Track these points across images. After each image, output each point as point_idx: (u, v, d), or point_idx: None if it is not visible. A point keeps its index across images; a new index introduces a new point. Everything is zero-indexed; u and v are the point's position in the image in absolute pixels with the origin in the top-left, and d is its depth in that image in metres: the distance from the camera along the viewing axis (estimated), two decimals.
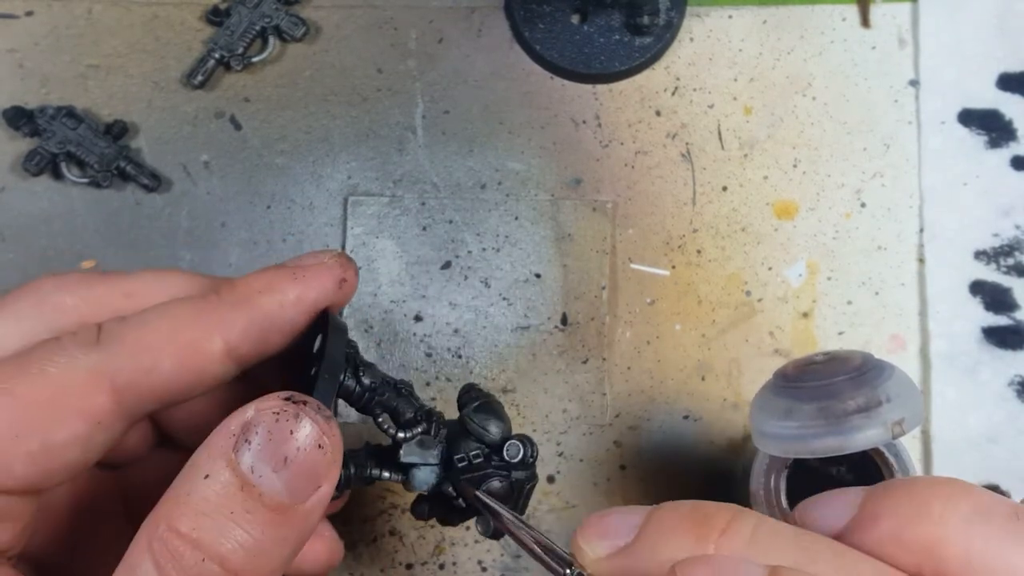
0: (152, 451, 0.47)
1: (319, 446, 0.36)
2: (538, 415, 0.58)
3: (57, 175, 0.61)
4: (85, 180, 0.60)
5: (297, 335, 0.41)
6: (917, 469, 0.54)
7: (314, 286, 0.41)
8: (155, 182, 0.60)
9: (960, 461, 0.56)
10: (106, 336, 0.38)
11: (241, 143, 0.61)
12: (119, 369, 0.37)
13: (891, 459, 0.48)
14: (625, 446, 0.58)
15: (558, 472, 0.58)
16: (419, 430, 0.45)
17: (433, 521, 0.57)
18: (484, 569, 0.57)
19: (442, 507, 0.46)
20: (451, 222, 0.60)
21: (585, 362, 0.59)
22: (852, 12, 0.62)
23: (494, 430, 0.45)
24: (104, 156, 0.60)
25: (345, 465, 0.44)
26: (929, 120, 0.60)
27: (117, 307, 0.41)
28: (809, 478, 0.49)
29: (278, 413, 0.36)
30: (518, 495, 0.45)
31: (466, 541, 0.57)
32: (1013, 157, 0.59)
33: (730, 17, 0.62)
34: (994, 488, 0.56)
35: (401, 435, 0.44)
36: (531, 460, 0.45)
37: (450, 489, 0.45)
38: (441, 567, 0.57)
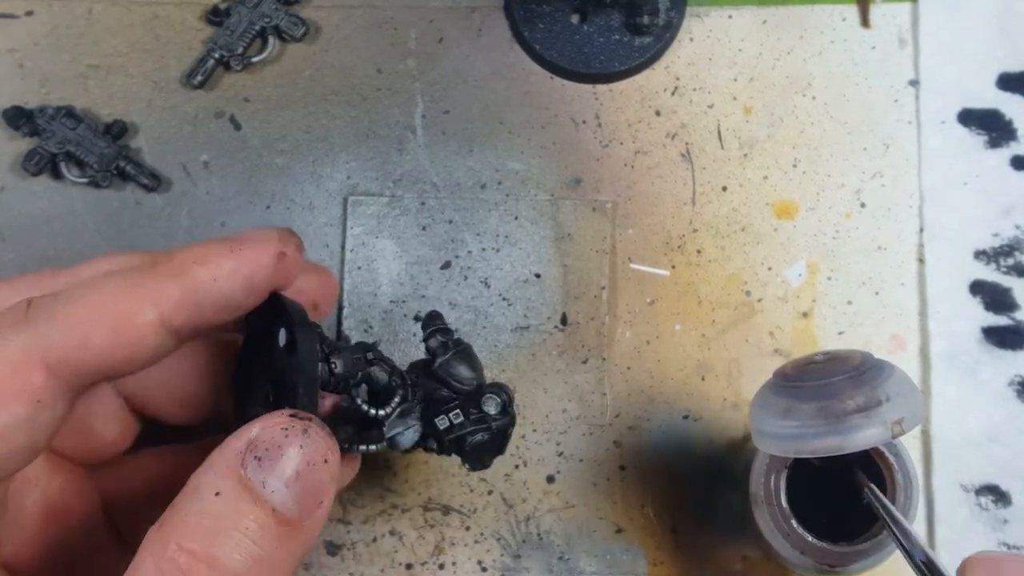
0: (132, 452, 0.47)
1: (324, 461, 0.37)
2: (538, 415, 0.58)
3: (57, 175, 0.61)
4: (85, 180, 0.60)
5: (238, 309, 0.41)
6: (917, 469, 0.54)
7: (249, 259, 0.40)
8: (155, 182, 0.60)
9: (960, 461, 0.56)
10: (35, 312, 0.37)
11: (241, 143, 0.61)
12: (51, 345, 0.37)
13: (891, 458, 0.48)
14: (625, 446, 0.58)
15: (558, 472, 0.58)
16: (397, 400, 0.45)
17: (433, 521, 0.57)
18: (484, 569, 0.57)
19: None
20: (451, 222, 0.60)
21: (585, 362, 0.59)
22: (852, 12, 0.62)
23: (468, 377, 0.46)
24: (104, 156, 0.60)
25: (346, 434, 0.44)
26: (929, 120, 0.60)
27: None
28: (809, 478, 0.49)
29: (286, 429, 0.37)
30: (502, 441, 0.47)
31: (466, 541, 0.57)
32: (1013, 157, 0.59)
33: (730, 17, 0.62)
34: (994, 488, 0.56)
35: (382, 412, 0.45)
36: (509, 408, 0.47)
37: (434, 444, 0.46)
38: (441, 567, 0.57)
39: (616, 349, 0.59)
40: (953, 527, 0.56)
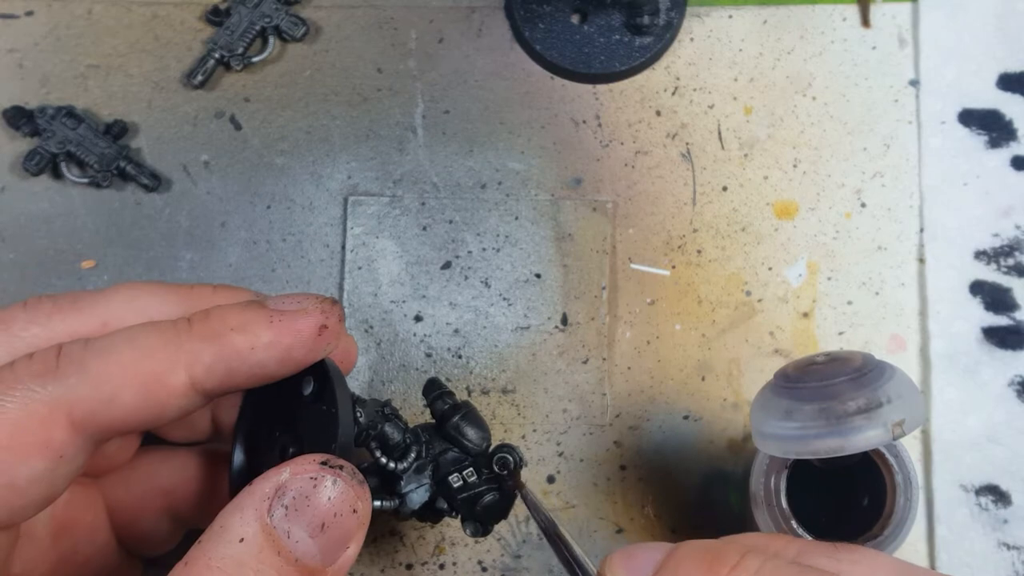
0: (134, 456, 0.47)
1: (353, 511, 0.37)
2: (538, 415, 0.58)
3: (57, 175, 0.61)
4: (85, 180, 0.60)
5: (271, 377, 0.40)
6: (917, 467, 0.54)
7: (290, 331, 0.39)
8: (155, 182, 0.60)
9: (960, 461, 0.56)
10: (65, 363, 0.37)
11: (241, 143, 0.61)
12: (78, 400, 0.36)
13: (891, 460, 0.48)
14: (625, 446, 0.58)
15: (558, 472, 0.58)
16: (412, 456, 0.45)
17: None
18: (484, 569, 0.57)
19: (429, 514, 0.47)
20: (451, 222, 0.60)
21: (585, 362, 0.59)
22: (852, 12, 0.62)
23: (478, 437, 0.46)
24: (104, 156, 0.60)
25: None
26: (929, 120, 0.60)
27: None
28: (809, 478, 0.49)
29: (315, 479, 0.36)
30: (509, 503, 0.47)
31: (466, 542, 0.57)
32: (1013, 157, 0.59)
33: (730, 17, 0.62)
34: (994, 488, 0.56)
35: (402, 466, 0.45)
36: (518, 469, 0.46)
37: (443, 504, 0.46)
38: (441, 567, 0.57)
39: (616, 349, 0.59)
40: (953, 527, 0.56)
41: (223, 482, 0.45)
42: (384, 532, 0.57)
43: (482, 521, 0.46)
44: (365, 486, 0.38)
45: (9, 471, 0.36)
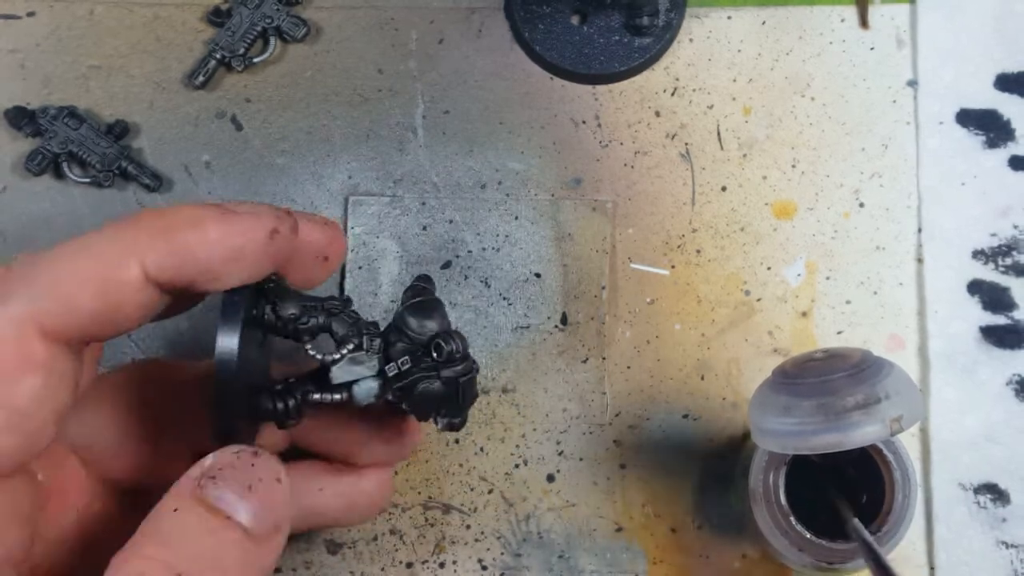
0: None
1: (278, 479, 0.38)
2: (538, 414, 0.58)
3: (59, 175, 0.61)
4: (87, 180, 0.60)
5: (223, 278, 0.40)
6: (916, 466, 0.54)
7: (240, 230, 0.39)
8: (156, 182, 0.60)
9: (958, 460, 0.56)
10: (17, 278, 0.36)
11: (242, 143, 0.62)
12: (39, 311, 0.36)
13: (889, 456, 0.48)
14: (625, 445, 0.58)
15: (558, 471, 0.58)
16: (347, 349, 0.44)
17: (433, 520, 0.57)
18: (484, 568, 0.57)
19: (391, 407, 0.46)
20: (451, 222, 0.60)
21: (585, 361, 0.59)
22: (851, 13, 0.62)
23: (417, 327, 0.45)
24: (106, 156, 0.60)
25: (289, 393, 0.44)
26: (927, 120, 0.60)
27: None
28: (808, 475, 0.49)
29: (237, 454, 0.38)
30: (455, 393, 0.45)
31: (466, 540, 0.57)
32: (1011, 157, 0.60)
33: (729, 18, 0.62)
34: (992, 487, 0.56)
35: (330, 358, 0.44)
36: (458, 355, 0.44)
37: (391, 398, 0.44)
38: (441, 566, 0.57)
39: (616, 348, 0.59)
40: (951, 526, 0.56)
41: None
42: (384, 531, 0.57)
43: (424, 410, 0.45)
44: (282, 466, 0.39)
45: (6, 394, 0.35)
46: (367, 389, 0.45)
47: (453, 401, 0.45)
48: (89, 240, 0.38)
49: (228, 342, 0.40)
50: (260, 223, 0.40)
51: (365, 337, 0.44)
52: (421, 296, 0.46)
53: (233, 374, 0.40)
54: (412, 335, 0.45)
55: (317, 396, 0.44)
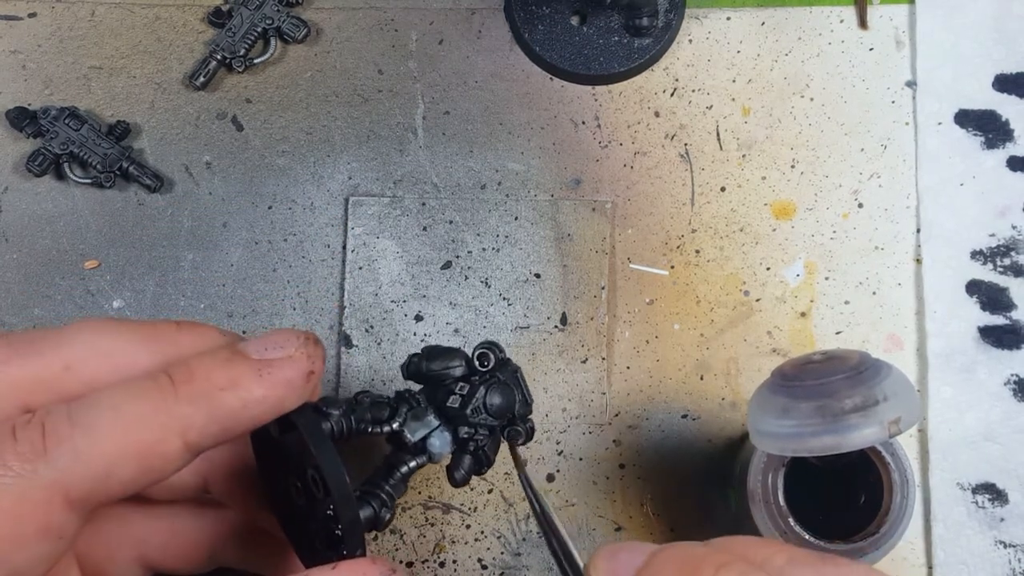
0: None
1: None
2: (538, 414, 0.58)
3: (60, 176, 0.61)
4: (88, 181, 0.60)
5: (258, 426, 0.39)
6: (914, 466, 0.55)
7: (280, 383, 0.39)
8: (157, 183, 0.61)
9: (956, 460, 0.57)
10: (53, 443, 0.35)
11: (243, 144, 0.62)
12: (73, 482, 0.35)
13: (888, 458, 0.48)
14: (624, 445, 0.58)
15: (558, 471, 0.58)
16: (404, 410, 0.45)
17: (434, 519, 0.57)
18: (484, 567, 0.57)
19: (473, 462, 0.46)
20: (451, 222, 0.60)
21: (585, 361, 0.59)
22: (850, 14, 0.62)
23: (443, 367, 0.46)
24: (107, 157, 0.60)
25: (376, 492, 0.44)
26: (926, 121, 0.61)
27: (57, 385, 0.38)
28: (806, 476, 0.49)
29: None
30: (516, 386, 0.47)
31: (466, 539, 0.57)
32: (1009, 158, 0.60)
33: (728, 19, 0.63)
34: (990, 487, 0.56)
35: (395, 426, 0.45)
36: (502, 356, 0.47)
37: (466, 432, 0.45)
38: (441, 565, 0.57)
39: (615, 349, 0.59)
40: (949, 525, 0.56)
41: (195, 529, 0.46)
42: (384, 531, 0.57)
43: (500, 415, 0.46)
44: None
45: (11, 559, 0.35)
46: (441, 441, 0.45)
47: (520, 395, 0.47)
48: (125, 406, 0.37)
49: (342, 487, 0.39)
50: (298, 369, 0.39)
51: (410, 398, 0.46)
52: (426, 350, 0.48)
53: (357, 518, 0.40)
54: (445, 374, 0.46)
55: (407, 468, 0.44)
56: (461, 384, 0.46)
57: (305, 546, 0.43)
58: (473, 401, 0.45)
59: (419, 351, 0.47)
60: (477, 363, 0.46)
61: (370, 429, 0.44)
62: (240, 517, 0.47)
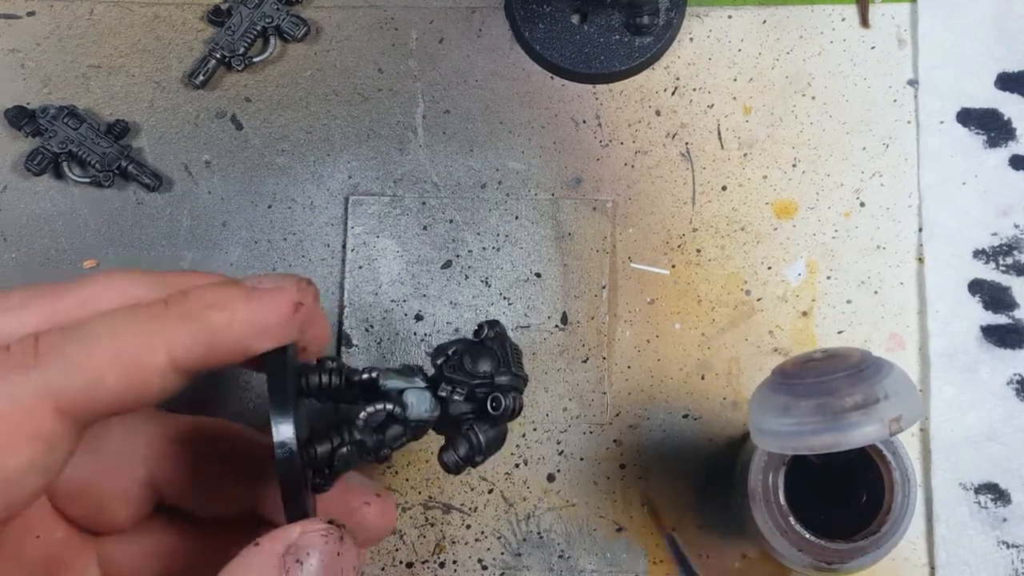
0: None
1: (354, 568, 0.39)
2: (538, 414, 0.58)
3: (59, 175, 0.61)
4: (87, 180, 0.60)
5: (248, 353, 0.40)
6: (916, 466, 0.54)
7: (266, 307, 0.40)
8: (156, 182, 0.60)
9: (959, 459, 0.56)
10: (44, 351, 0.37)
11: (242, 143, 0.62)
12: (61, 387, 0.36)
13: (889, 457, 0.48)
14: (625, 445, 0.58)
15: (558, 470, 0.58)
16: (395, 366, 0.45)
17: (434, 519, 0.57)
18: (485, 567, 0.57)
19: (466, 444, 0.46)
20: (451, 221, 0.60)
21: (585, 361, 0.59)
22: (851, 12, 0.62)
23: (443, 346, 0.47)
24: (106, 156, 0.60)
25: (338, 431, 0.44)
26: (928, 120, 0.60)
27: (72, 319, 0.39)
28: (807, 475, 0.49)
29: (325, 536, 0.38)
30: (503, 354, 0.47)
31: (466, 539, 0.57)
32: (1012, 156, 0.60)
33: (730, 17, 0.62)
34: (993, 487, 0.56)
35: (374, 375, 0.45)
36: (499, 331, 0.47)
37: (444, 389, 0.45)
38: (441, 565, 0.57)
39: (616, 348, 0.59)
40: (952, 525, 0.56)
41: (226, 547, 0.46)
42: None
43: (474, 374, 0.46)
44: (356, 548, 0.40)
45: (2, 464, 0.36)
46: (420, 399, 0.45)
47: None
48: (118, 321, 0.38)
49: (285, 431, 0.39)
50: (285, 298, 0.40)
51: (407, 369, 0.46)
52: (479, 339, 0.48)
53: (295, 466, 0.40)
54: (447, 347, 0.46)
55: (370, 409, 0.44)
56: (455, 350, 0.46)
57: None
58: (452, 359, 0.45)
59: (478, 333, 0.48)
60: (473, 336, 0.47)
61: (353, 379, 0.44)
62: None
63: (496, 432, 0.46)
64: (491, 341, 0.47)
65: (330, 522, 0.39)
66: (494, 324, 0.47)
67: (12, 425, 0.36)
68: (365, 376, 0.45)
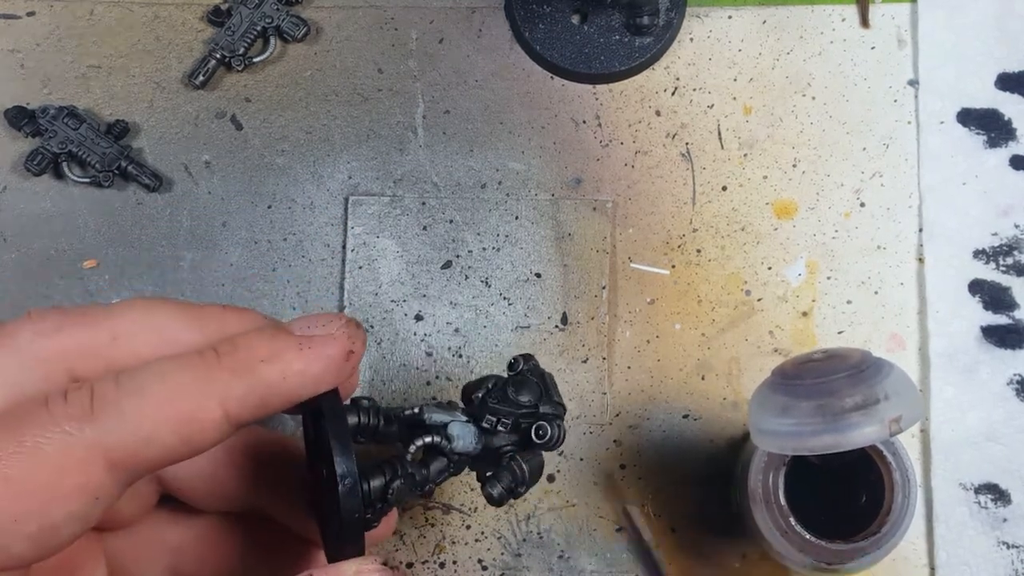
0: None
1: None
2: None
3: (59, 175, 0.61)
4: (87, 180, 0.60)
5: (299, 402, 0.40)
6: (916, 466, 0.54)
7: (320, 358, 0.39)
8: (156, 182, 0.60)
9: (959, 460, 0.56)
10: (100, 405, 0.36)
11: (242, 143, 0.62)
12: (115, 443, 0.36)
13: (889, 457, 0.48)
14: (625, 445, 0.58)
15: (558, 471, 0.58)
16: (435, 401, 0.45)
17: (434, 520, 0.57)
18: (484, 568, 0.57)
19: (509, 475, 0.46)
20: (451, 222, 0.60)
21: (585, 361, 0.59)
22: (851, 12, 0.62)
23: (480, 382, 0.47)
24: (106, 156, 0.60)
25: (388, 468, 0.44)
26: (928, 120, 0.60)
27: (105, 354, 0.39)
28: (807, 475, 0.49)
29: None
30: (540, 382, 0.47)
31: (466, 540, 0.57)
32: (1012, 156, 0.60)
33: (730, 17, 0.62)
34: (993, 487, 0.56)
35: (415, 410, 0.45)
36: (533, 363, 0.47)
37: (488, 421, 0.45)
38: (441, 566, 0.57)
39: (616, 348, 0.59)
40: (952, 526, 0.56)
41: (230, 542, 0.47)
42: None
43: (518, 404, 0.46)
44: None
45: (48, 513, 0.36)
46: (463, 432, 0.45)
47: (542, 392, 0.47)
48: (169, 372, 0.38)
49: (348, 467, 0.39)
50: (337, 347, 0.40)
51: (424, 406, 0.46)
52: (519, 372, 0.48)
53: (358, 504, 0.40)
54: (479, 385, 0.46)
55: (419, 442, 0.44)
56: (493, 381, 0.46)
57: (327, 538, 0.44)
58: (495, 392, 0.46)
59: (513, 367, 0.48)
60: (508, 369, 0.47)
61: (394, 416, 0.45)
62: (274, 529, 0.47)
63: (537, 461, 0.46)
64: (528, 373, 0.47)
65: (384, 563, 0.39)
66: (528, 357, 0.47)
67: (63, 478, 0.36)
68: (408, 412, 0.45)
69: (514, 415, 0.45)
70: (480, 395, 0.46)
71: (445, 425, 0.45)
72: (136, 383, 0.37)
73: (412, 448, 0.44)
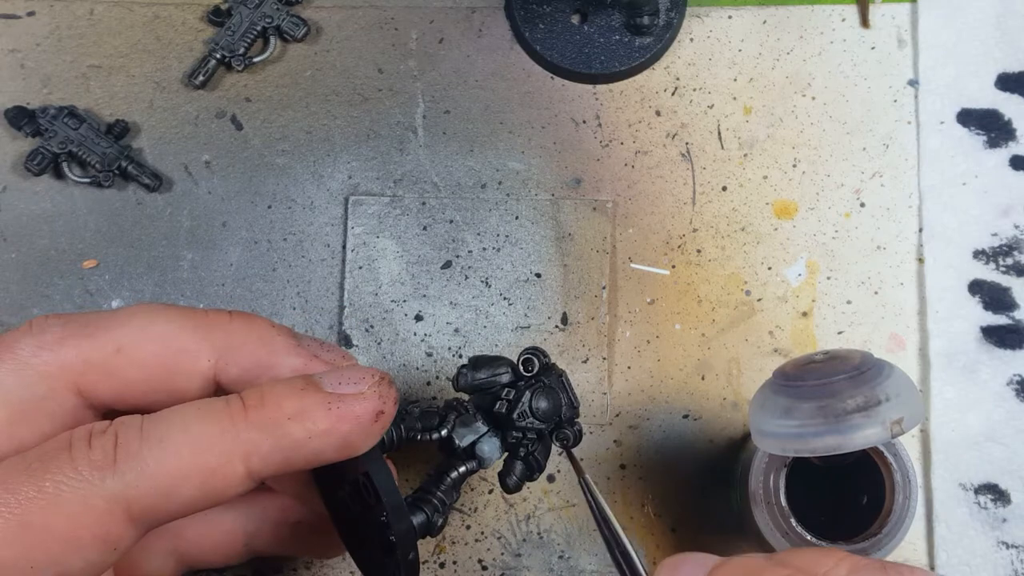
0: None
1: None
2: None
3: (59, 175, 0.61)
4: (87, 180, 0.60)
5: (323, 462, 0.39)
6: (916, 467, 0.54)
7: (347, 419, 0.39)
8: (156, 182, 0.60)
9: (959, 460, 0.56)
10: (123, 455, 0.36)
11: (242, 143, 0.61)
12: (137, 496, 0.36)
13: (890, 458, 0.48)
14: (625, 445, 0.58)
15: (558, 471, 0.58)
16: (452, 417, 0.46)
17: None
18: (485, 568, 0.57)
19: (524, 468, 0.47)
20: (452, 222, 0.60)
21: (585, 361, 0.59)
22: (852, 12, 0.62)
23: (490, 376, 0.47)
24: (106, 156, 0.60)
25: (428, 499, 0.44)
26: (928, 120, 0.60)
27: (110, 367, 0.39)
28: (808, 477, 0.49)
29: None
30: (561, 390, 0.47)
31: (466, 540, 0.57)
32: (1012, 157, 0.60)
33: (730, 17, 0.62)
34: (993, 487, 0.56)
35: (444, 433, 0.46)
36: (547, 361, 0.47)
37: (514, 436, 0.46)
38: (441, 566, 0.57)
39: (616, 348, 0.59)
40: (952, 526, 0.56)
41: (232, 520, 0.47)
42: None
43: (546, 419, 0.46)
44: None
45: (65, 562, 0.36)
46: (490, 446, 0.46)
47: (561, 404, 0.47)
48: (193, 423, 0.37)
49: (393, 496, 0.40)
50: (367, 407, 0.39)
51: (458, 405, 0.47)
52: (470, 360, 0.48)
53: (410, 528, 0.41)
54: (493, 380, 0.47)
55: (462, 469, 0.45)
56: (507, 390, 0.46)
57: (356, 547, 0.44)
58: (519, 406, 0.46)
59: (466, 362, 0.48)
60: (522, 368, 0.47)
61: (419, 437, 0.45)
62: (278, 507, 0.48)
63: (547, 448, 0.48)
64: (547, 375, 0.47)
65: None
66: (541, 354, 0.47)
67: (82, 527, 0.35)
68: (435, 436, 0.46)
69: (539, 430, 0.46)
70: (502, 410, 0.46)
71: (473, 444, 0.46)
72: (160, 432, 0.37)
73: (449, 480, 0.45)
